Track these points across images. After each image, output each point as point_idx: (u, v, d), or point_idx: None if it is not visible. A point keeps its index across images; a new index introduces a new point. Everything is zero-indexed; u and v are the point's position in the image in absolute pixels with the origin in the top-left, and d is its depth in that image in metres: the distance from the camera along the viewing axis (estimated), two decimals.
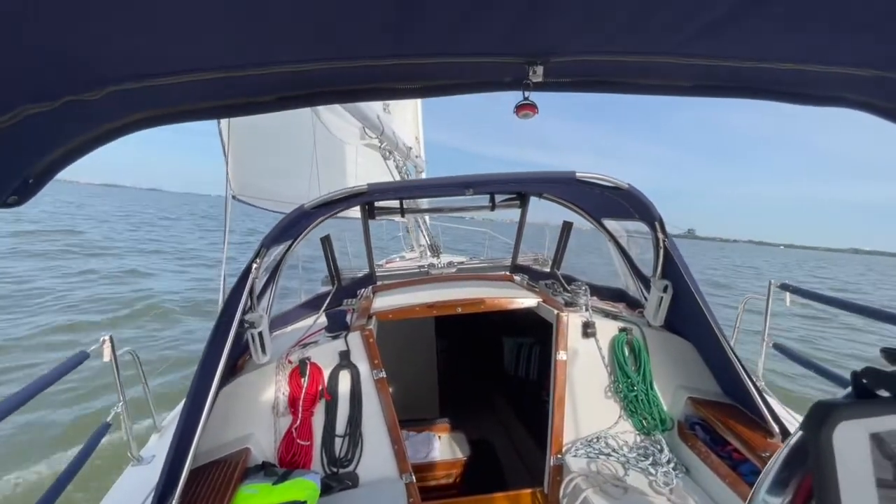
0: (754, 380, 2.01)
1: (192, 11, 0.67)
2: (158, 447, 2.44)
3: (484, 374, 4.26)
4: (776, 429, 1.88)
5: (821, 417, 0.44)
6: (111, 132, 0.93)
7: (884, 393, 0.45)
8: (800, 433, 0.51)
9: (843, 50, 0.88)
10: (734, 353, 2.04)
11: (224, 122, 3.73)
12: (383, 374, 2.29)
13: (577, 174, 1.96)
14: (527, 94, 0.99)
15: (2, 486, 4.01)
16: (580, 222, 3.19)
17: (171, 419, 2.78)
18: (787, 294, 2.73)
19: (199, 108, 0.98)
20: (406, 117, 6.52)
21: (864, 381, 0.47)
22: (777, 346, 2.92)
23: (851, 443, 0.43)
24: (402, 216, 3.18)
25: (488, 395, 4.16)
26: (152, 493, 1.59)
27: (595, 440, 2.32)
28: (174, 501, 1.56)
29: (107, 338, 2.18)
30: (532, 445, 3.09)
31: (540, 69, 0.94)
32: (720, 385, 2.36)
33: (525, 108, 0.99)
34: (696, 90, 1.09)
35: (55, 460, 4.28)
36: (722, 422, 2.05)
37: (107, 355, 2.17)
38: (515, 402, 3.69)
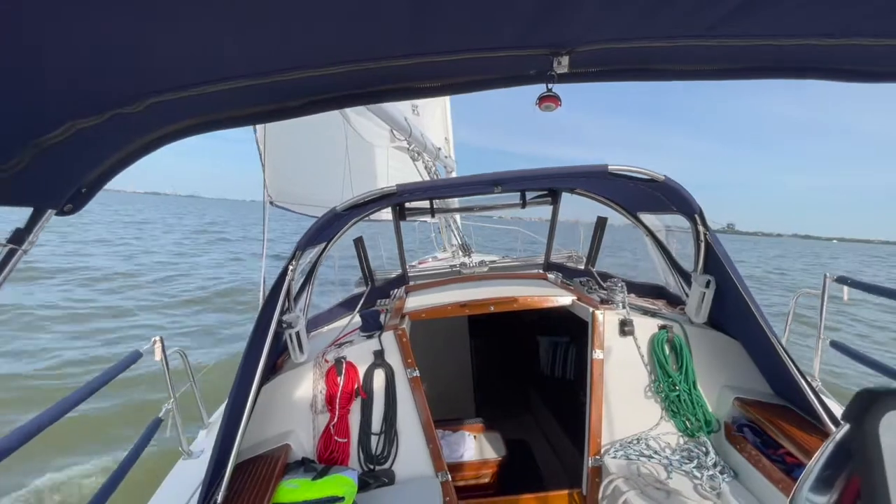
0: (809, 379, 1.89)
1: (222, 25, 0.70)
2: (206, 443, 2.56)
3: (519, 374, 4.21)
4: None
5: (865, 406, 0.41)
6: (155, 142, 0.99)
7: None
8: (847, 426, 0.47)
9: (890, 21, 0.82)
10: (786, 352, 1.92)
11: (260, 130, 3.87)
12: (417, 373, 2.30)
13: (610, 167, 1.90)
14: (550, 86, 0.97)
15: (65, 477, 4.33)
16: (614, 218, 3.10)
17: (217, 416, 2.91)
18: (845, 287, 2.54)
19: (234, 115, 1.02)
20: (435, 118, 6.55)
21: None
22: (835, 344, 2.73)
23: None
24: (433, 216, 3.20)
25: (524, 395, 4.11)
26: (200, 486, 1.67)
27: (635, 441, 2.25)
28: (220, 494, 1.63)
29: (158, 339, 2.30)
30: (569, 446, 3.03)
31: (565, 59, 0.92)
32: (771, 385, 2.23)
33: (547, 99, 0.97)
34: (731, 73, 1.03)
35: (111, 453, 4.59)
36: (774, 424, 1.93)
37: (158, 355, 2.30)
38: (552, 402, 3.63)
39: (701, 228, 2.13)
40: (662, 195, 2.15)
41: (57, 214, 0.91)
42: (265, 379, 2.23)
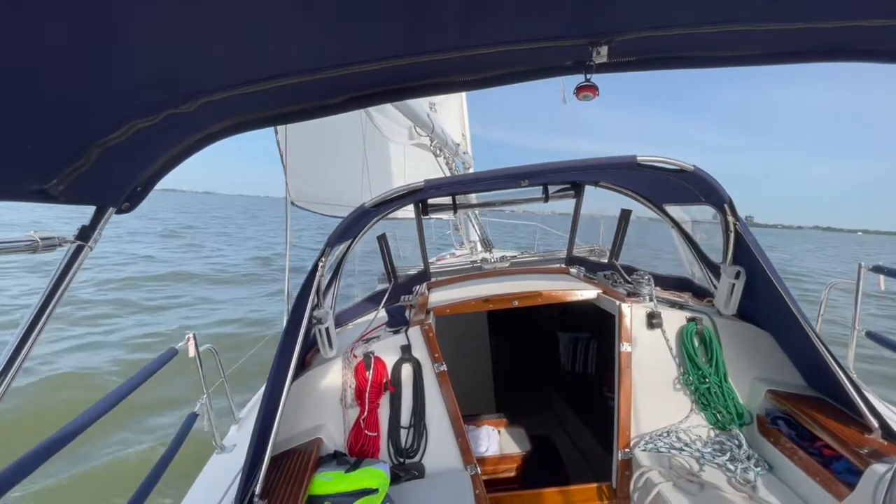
0: (846, 370, 1.85)
1: (268, 24, 0.73)
2: (238, 437, 2.62)
3: (539, 371, 4.21)
4: (875, 423, 1.72)
5: None
6: (204, 139, 1.02)
7: None
8: None
9: None
10: (822, 342, 1.88)
11: (281, 132, 3.93)
12: (444, 368, 2.32)
13: (639, 158, 1.89)
14: (588, 76, 0.98)
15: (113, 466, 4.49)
16: (636, 211, 3.06)
17: (247, 411, 2.97)
18: (881, 277, 2.47)
19: (275, 114, 1.05)
20: (452, 114, 6.56)
21: None
22: (871, 335, 2.66)
23: None
24: (455, 212, 3.20)
25: (544, 391, 4.10)
26: (237, 478, 1.71)
27: (665, 434, 2.23)
28: (258, 486, 1.67)
29: (191, 336, 2.37)
30: (593, 442, 3.02)
31: (604, 49, 0.92)
32: (804, 377, 2.19)
33: (585, 89, 0.97)
34: (771, 58, 1.02)
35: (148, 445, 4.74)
36: (810, 416, 1.90)
37: (191, 352, 2.36)
38: (573, 398, 3.62)
39: (731, 219, 2.10)
40: (691, 185, 2.12)
41: (116, 212, 0.95)
42: (296, 374, 2.28)
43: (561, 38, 0.91)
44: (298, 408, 2.27)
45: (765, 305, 2.20)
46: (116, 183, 0.92)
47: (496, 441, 2.97)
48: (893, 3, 0.83)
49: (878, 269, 2.46)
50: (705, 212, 2.37)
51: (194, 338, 2.38)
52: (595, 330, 3.21)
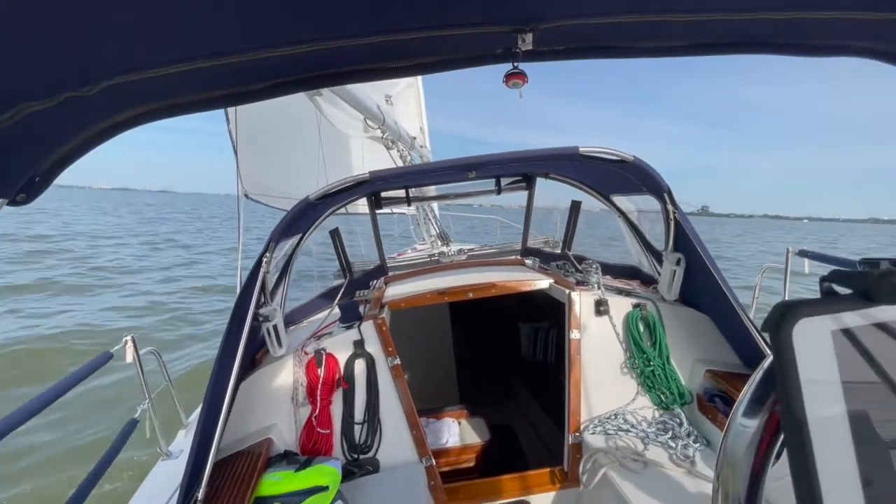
0: None
1: (178, 1, 0.68)
2: (186, 442, 2.51)
3: (502, 362, 4.27)
4: None
5: (780, 315, 0.44)
6: (112, 128, 0.95)
7: (847, 291, 0.44)
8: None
9: None
10: (753, 324, 2.00)
11: (232, 121, 3.77)
12: (398, 361, 2.31)
13: (581, 149, 1.93)
14: (517, 64, 0.98)
15: (34, 486, 4.19)
16: (590, 204, 3.15)
17: (196, 416, 2.86)
18: (806, 260, 2.66)
19: (195, 99, 0.99)
20: (409, 108, 6.51)
21: (831, 284, 0.46)
22: (802, 252, 2.83)
23: (812, 340, 0.42)
24: (409, 205, 3.18)
25: (507, 381, 4.17)
26: (179, 487, 1.64)
27: (613, 417, 2.31)
28: (200, 492, 1.61)
29: (129, 338, 2.24)
30: (551, 427, 3.10)
31: (529, 37, 0.93)
32: (739, 356, 2.32)
33: (514, 76, 0.97)
34: (693, 49, 1.06)
35: (86, 457, 4.47)
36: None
37: (129, 356, 2.24)
38: (534, 386, 3.69)
39: (670, 207, 2.19)
40: (632, 176, 2.19)
41: (9, 204, 0.87)
42: (244, 375, 2.20)
43: (484, 24, 0.91)
44: (248, 408, 2.20)
45: (703, 290, 2.31)
46: (7, 172, 0.84)
47: (457, 432, 2.99)
48: None
49: (803, 254, 2.64)
50: (650, 202, 2.46)
51: (133, 341, 2.25)
52: (554, 319, 3.28)
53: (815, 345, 0.42)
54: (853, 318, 0.43)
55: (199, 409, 2.93)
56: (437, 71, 1.06)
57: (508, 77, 0.99)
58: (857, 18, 0.91)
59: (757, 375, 0.50)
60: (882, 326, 0.43)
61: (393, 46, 0.94)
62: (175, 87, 0.94)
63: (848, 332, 0.43)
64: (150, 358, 2.45)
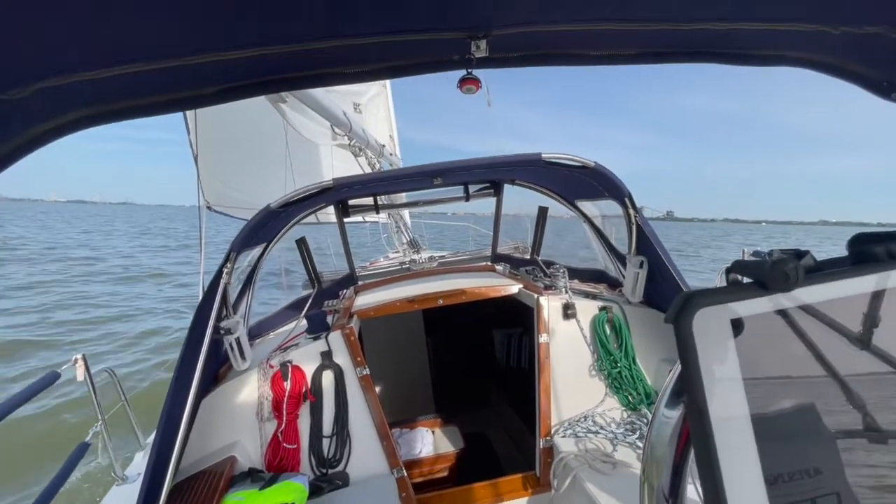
0: None
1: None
2: (143, 466, 2.39)
3: (477, 369, 4.27)
4: None
5: (679, 306, 0.45)
6: (46, 134, 0.90)
7: (747, 280, 0.46)
8: None
9: (788, 6, 0.89)
10: None
11: (193, 129, 3.66)
12: (367, 371, 2.27)
13: (544, 155, 1.97)
14: (470, 70, 0.99)
15: None
16: (559, 210, 3.20)
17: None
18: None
19: (138, 104, 0.95)
20: (379, 115, 6.49)
21: (733, 274, 0.48)
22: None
23: (712, 329, 0.44)
24: (377, 212, 3.16)
25: (483, 388, 4.16)
26: None
27: (582, 419, 2.34)
28: None
29: (79, 357, 2.12)
30: (525, 433, 3.10)
31: (483, 44, 0.94)
32: None
33: (468, 82, 0.98)
34: (639, 58, 1.09)
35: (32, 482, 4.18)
36: None
37: (80, 375, 2.12)
38: (509, 392, 3.70)
39: (631, 212, 2.25)
40: (594, 181, 2.24)
41: None
42: (205, 391, 2.12)
43: (439, 30, 0.92)
44: (210, 426, 2.11)
45: (666, 292, 2.38)
46: None
47: (430, 442, 2.95)
48: (737, 9, 0.91)
49: (756, 255, 2.76)
50: (613, 207, 2.53)
51: (84, 359, 2.14)
52: (526, 325, 3.31)
53: (714, 333, 0.43)
54: (750, 307, 0.44)
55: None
56: (393, 76, 1.06)
57: (462, 82, 1.00)
58: (790, 29, 0.97)
59: (677, 368, 0.51)
60: (778, 314, 0.45)
61: (349, 51, 0.94)
62: (115, 91, 0.90)
63: (746, 320, 0.44)
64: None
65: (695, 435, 0.42)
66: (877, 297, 0.46)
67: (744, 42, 1.05)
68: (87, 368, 2.14)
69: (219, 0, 0.72)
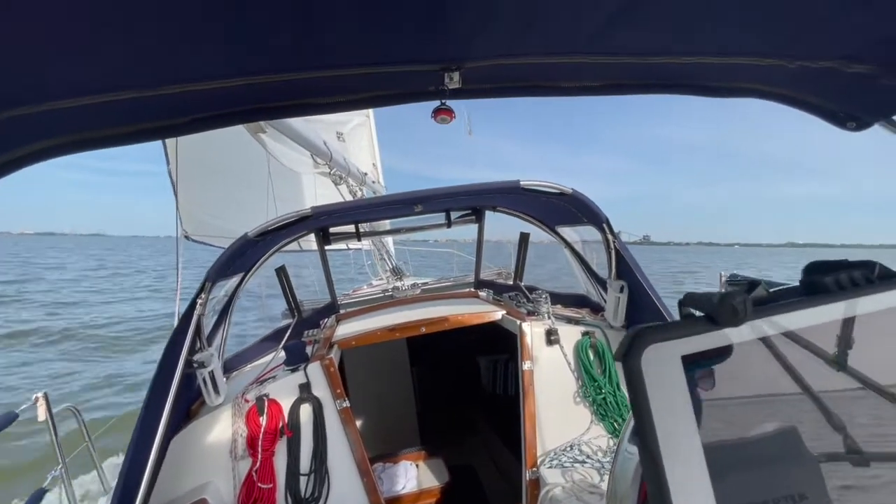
0: None
1: (89, 21, 0.64)
2: None
3: (463, 398, 4.18)
4: None
5: (628, 344, 0.44)
6: (13, 163, 0.88)
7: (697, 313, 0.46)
8: None
9: (747, 41, 0.94)
10: None
11: (172, 157, 3.63)
12: (347, 404, 2.20)
13: (522, 182, 2.00)
14: (444, 101, 1.01)
15: None
16: (541, 236, 3.23)
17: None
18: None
19: (110, 134, 0.94)
20: (362, 144, 6.56)
21: (686, 307, 0.47)
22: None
23: (662, 365, 0.43)
24: (359, 240, 3.14)
25: (470, 417, 4.07)
26: None
27: (569, 448, 2.29)
28: None
29: (40, 395, 2.01)
30: (513, 463, 3.02)
31: (456, 75, 0.96)
32: None
33: (442, 112, 1.00)
34: (609, 88, 1.13)
35: None
36: None
37: (41, 415, 2.00)
38: (495, 421, 3.63)
39: (609, 237, 2.28)
40: (572, 207, 2.28)
41: None
42: (176, 429, 2.01)
43: (414, 63, 0.94)
44: (180, 466, 1.99)
45: (646, 315, 2.39)
46: None
47: (414, 476, 2.85)
48: (700, 45, 0.96)
49: (733, 277, 2.81)
50: (593, 232, 2.56)
51: (45, 398, 2.02)
52: (511, 351, 3.27)
53: (665, 370, 0.43)
54: (700, 342, 0.44)
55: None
56: (369, 107, 1.07)
57: (437, 112, 1.02)
58: (749, 63, 1.02)
59: None
60: (727, 349, 0.45)
61: (325, 83, 0.95)
62: (86, 120, 0.89)
63: (698, 354, 0.44)
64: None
65: (647, 475, 0.41)
66: (829, 326, 0.47)
67: (707, 75, 1.10)
68: (49, 407, 2.02)
69: (193, 31, 0.72)
